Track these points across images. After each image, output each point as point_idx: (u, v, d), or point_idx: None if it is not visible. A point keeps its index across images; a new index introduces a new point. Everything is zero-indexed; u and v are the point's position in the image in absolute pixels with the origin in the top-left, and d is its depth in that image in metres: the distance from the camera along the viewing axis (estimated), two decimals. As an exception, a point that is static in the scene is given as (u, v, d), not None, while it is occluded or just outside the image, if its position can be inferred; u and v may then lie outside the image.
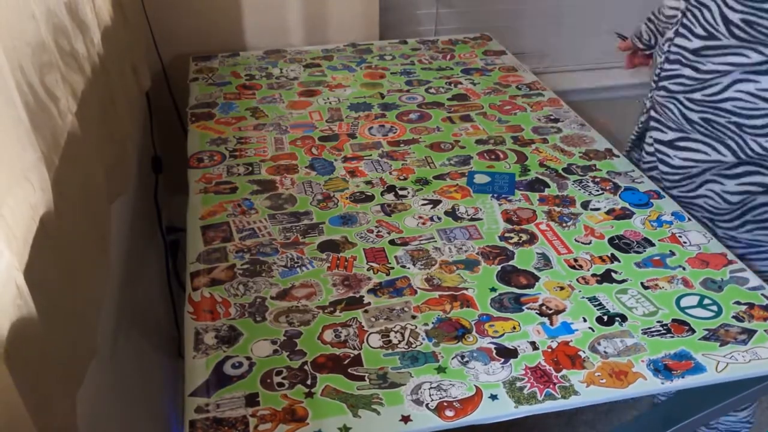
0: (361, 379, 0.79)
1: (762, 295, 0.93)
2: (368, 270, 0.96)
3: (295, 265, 0.97)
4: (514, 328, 0.86)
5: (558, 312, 0.89)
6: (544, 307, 0.90)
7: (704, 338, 0.86)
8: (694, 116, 1.04)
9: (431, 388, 0.78)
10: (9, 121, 0.55)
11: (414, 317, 0.88)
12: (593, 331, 0.86)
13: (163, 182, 1.62)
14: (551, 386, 0.78)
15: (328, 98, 1.47)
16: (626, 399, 0.79)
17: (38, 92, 0.65)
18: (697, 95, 1.03)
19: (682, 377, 0.80)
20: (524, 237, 1.03)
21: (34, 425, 0.47)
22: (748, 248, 1.09)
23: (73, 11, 0.86)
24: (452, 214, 1.09)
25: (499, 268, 0.97)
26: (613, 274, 0.96)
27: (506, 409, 0.76)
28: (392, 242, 1.02)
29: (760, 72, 0.96)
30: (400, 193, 1.14)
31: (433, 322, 0.87)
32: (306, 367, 0.80)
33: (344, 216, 1.08)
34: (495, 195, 1.13)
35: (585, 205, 1.11)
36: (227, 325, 0.86)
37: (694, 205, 1.12)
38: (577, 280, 0.95)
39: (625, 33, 1.41)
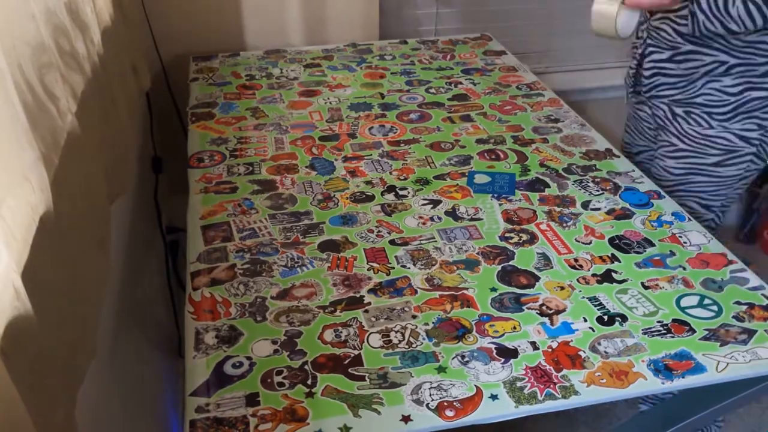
0: (362, 378, 0.79)
1: (762, 295, 0.93)
2: (368, 270, 0.96)
3: (296, 264, 0.97)
4: (515, 328, 0.86)
5: (558, 312, 0.89)
6: (544, 307, 0.90)
7: (704, 338, 0.86)
8: (684, 29, 1.22)
9: (431, 387, 0.78)
10: (8, 120, 0.55)
11: (414, 317, 0.88)
12: (593, 331, 0.86)
13: (163, 182, 1.62)
14: (551, 386, 0.78)
15: (328, 98, 1.47)
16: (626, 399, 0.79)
17: (37, 92, 0.65)
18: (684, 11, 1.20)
19: (683, 377, 0.80)
20: (524, 237, 1.03)
21: (34, 425, 0.47)
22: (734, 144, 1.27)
23: (73, 11, 0.86)
24: (452, 214, 1.08)
25: (499, 268, 0.97)
26: (613, 274, 0.96)
27: (506, 409, 0.76)
28: (392, 242, 1.02)
29: None
30: (401, 193, 1.14)
31: (433, 322, 0.87)
32: (306, 367, 0.80)
33: (344, 216, 1.07)
34: (495, 195, 1.13)
35: (585, 205, 1.11)
36: (227, 325, 0.86)
37: (694, 104, 1.27)
38: (578, 280, 0.95)
39: None
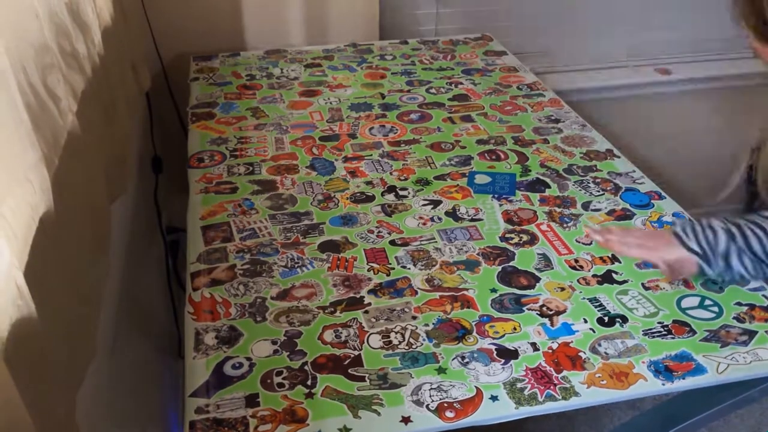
0: (362, 379, 0.79)
1: (763, 296, 0.93)
2: (369, 270, 0.96)
3: (296, 265, 0.97)
4: (515, 328, 0.86)
5: (558, 313, 0.89)
6: (544, 308, 0.90)
7: (705, 339, 0.86)
8: None
9: (431, 388, 0.78)
10: (11, 121, 0.55)
11: (414, 318, 0.88)
12: (594, 332, 0.86)
13: (163, 182, 1.62)
14: (552, 387, 0.78)
15: (328, 98, 1.47)
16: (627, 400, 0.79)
17: (40, 93, 0.65)
18: None
19: (683, 378, 0.80)
20: (525, 237, 1.03)
21: (33, 424, 0.47)
22: None
23: (74, 11, 0.86)
24: (453, 214, 1.08)
25: (499, 268, 0.97)
26: (613, 275, 0.96)
27: (507, 410, 0.76)
28: (393, 243, 1.02)
29: None
30: (401, 193, 1.14)
31: (433, 323, 0.87)
32: (306, 368, 0.80)
33: (345, 216, 1.07)
34: (496, 195, 1.13)
35: (586, 205, 1.11)
36: (227, 326, 0.86)
37: None
38: (578, 280, 0.95)
39: None
